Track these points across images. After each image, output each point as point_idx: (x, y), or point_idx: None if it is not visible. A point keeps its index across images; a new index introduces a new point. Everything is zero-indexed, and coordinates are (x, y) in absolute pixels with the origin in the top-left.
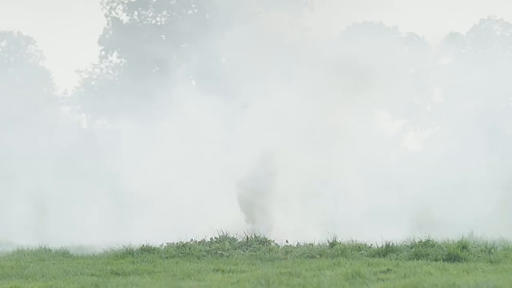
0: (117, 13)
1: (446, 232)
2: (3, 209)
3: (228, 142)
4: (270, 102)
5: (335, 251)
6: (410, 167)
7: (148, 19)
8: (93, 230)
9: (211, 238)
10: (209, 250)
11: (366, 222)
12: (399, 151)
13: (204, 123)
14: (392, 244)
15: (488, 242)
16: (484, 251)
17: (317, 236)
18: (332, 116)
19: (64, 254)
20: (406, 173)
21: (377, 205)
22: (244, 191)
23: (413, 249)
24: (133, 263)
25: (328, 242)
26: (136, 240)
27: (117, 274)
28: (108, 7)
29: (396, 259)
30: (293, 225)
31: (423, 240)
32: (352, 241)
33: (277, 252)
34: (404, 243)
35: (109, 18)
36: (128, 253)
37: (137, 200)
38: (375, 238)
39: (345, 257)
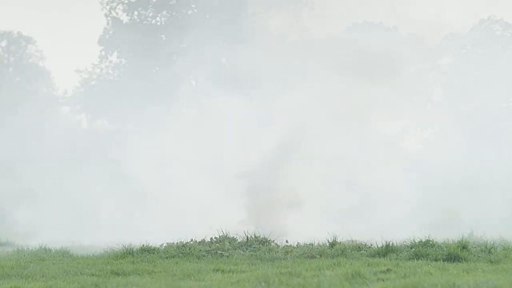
0: (117, 13)
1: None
2: (12, 209)
3: (241, 139)
4: (283, 99)
5: (335, 251)
6: (418, 166)
7: (148, 19)
8: (105, 229)
9: (211, 238)
10: (209, 250)
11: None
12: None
13: (208, 122)
14: (392, 244)
15: (488, 242)
16: (484, 251)
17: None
18: (348, 112)
19: (64, 254)
20: (418, 172)
21: (396, 204)
22: (255, 189)
23: (413, 249)
24: (133, 263)
25: (328, 242)
26: (148, 239)
27: (117, 274)
28: (108, 7)
29: (396, 259)
30: (308, 226)
31: (423, 240)
32: (352, 241)
33: (277, 252)
34: (404, 243)
35: (109, 18)
36: (128, 253)
37: (143, 199)
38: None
39: (345, 257)
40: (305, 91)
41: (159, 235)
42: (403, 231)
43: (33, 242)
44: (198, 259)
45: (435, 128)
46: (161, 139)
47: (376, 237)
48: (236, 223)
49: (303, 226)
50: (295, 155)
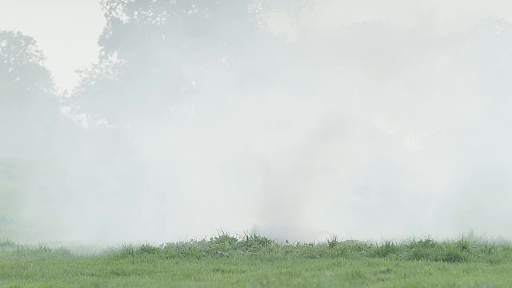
0: (117, 13)
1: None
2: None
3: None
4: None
5: (335, 251)
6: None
7: (148, 19)
8: (116, 229)
9: (211, 238)
10: (209, 250)
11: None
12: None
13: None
14: (392, 244)
15: (488, 242)
16: (484, 251)
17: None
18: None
19: (64, 254)
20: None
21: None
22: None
23: (413, 249)
24: (133, 263)
25: (328, 242)
26: (161, 238)
27: (117, 274)
28: (108, 7)
29: (396, 259)
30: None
31: (423, 240)
32: (352, 241)
33: (277, 252)
34: (404, 243)
35: (109, 18)
36: (128, 253)
37: (158, 199)
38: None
39: (345, 257)
40: (327, 88)
41: (172, 234)
42: (431, 229)
43: (34, 243)
44: (198, 259)
45: (435, 128)
46: (171, 138)
47: (405, 236)
48: (256, 218)
49: (325, 223)
50: (321, 149)
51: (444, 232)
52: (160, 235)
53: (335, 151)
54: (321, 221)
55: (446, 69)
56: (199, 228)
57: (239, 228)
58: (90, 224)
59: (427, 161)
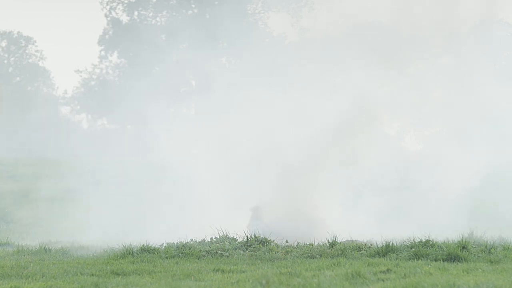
0: (117, 13)
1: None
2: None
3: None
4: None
5: (335, 251)
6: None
7: (148, 19)
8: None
9: (211, 238)
10: (209, 250)
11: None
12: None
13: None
14: (392, 244)
15: (488, 242)
16: (484, 251)
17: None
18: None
19: (64, 254)
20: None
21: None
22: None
23: (413, 249)
24: (133, 263)
25: (328, 242)
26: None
27: (117, 274)
28: (108, 7)
29: (396, 259)
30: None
31: (423, 240)
32: (352, 241)
33: (277, 252)
34: (404, 243)
35: (109, 18)
36: (128, 253)
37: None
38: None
39: (345, 257)
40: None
41: (173, 234)
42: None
43: (34, 243)
44: (198, 259)
45: (435, 128)
46: (177, 137)
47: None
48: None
49: (339, 221)
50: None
51: (453, 232)
52: (168, 235)
53: (344, 150)
54: (335, 220)
55: (451, 68)
56: (200, 228)
57: (241, 227)
58: (91, 225)
59: (437, 160)
